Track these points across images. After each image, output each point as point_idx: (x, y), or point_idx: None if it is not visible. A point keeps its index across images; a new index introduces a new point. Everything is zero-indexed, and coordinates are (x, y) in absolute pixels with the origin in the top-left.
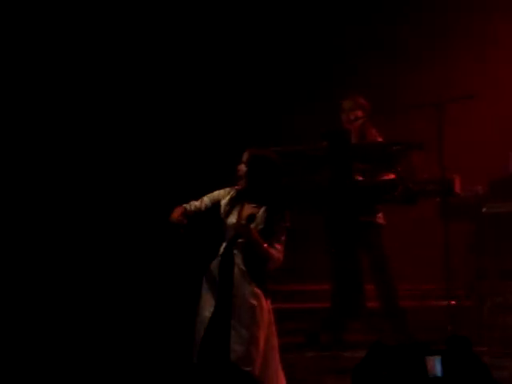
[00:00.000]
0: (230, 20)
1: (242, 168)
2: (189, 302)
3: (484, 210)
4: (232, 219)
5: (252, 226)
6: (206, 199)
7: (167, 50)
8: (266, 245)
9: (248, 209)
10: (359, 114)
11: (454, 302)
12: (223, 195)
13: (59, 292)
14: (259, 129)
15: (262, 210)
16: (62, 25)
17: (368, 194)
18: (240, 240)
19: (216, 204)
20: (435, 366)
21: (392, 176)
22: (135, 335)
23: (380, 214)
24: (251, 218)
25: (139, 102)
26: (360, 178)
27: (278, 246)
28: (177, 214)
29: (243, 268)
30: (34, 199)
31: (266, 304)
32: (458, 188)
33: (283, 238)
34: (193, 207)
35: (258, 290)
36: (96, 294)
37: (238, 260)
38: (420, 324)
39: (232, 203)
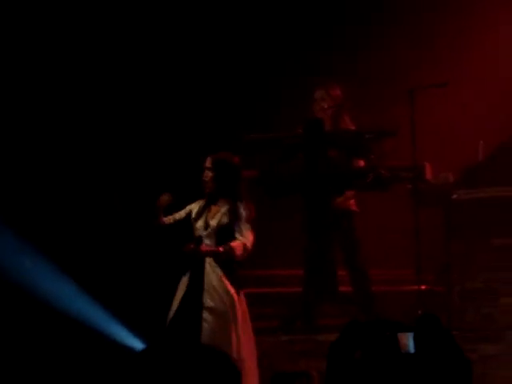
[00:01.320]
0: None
1: (208, 174)
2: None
3: (454, 196)
4: (200, 223)
5: (211, 229)
6: (182, 211)
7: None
8: (221, 248)
9: (214, 210)
10: (330, 103)
11: (424, 287)
12: (194, 206)
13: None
14: (235, 117)
15: (225, 208)
16: (62, 25)
17: (340, 180)
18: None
19: (189, 213)
20: (408, 342)
21: (363, 163)
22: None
23: (353, 201)
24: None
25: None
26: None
27: (245, 237)
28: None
29: (214, 265)
30: (33, 199)
31: (239, 297)
32: (429, 175)
33: (249, 229)
34: (174, 216)
35: (229, 286)
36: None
37: (209, 260)
38: (391, 309)
39: (201, 209)
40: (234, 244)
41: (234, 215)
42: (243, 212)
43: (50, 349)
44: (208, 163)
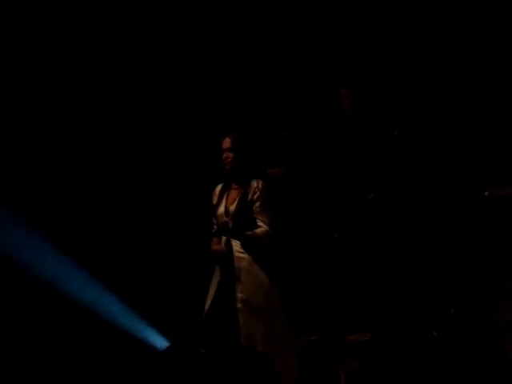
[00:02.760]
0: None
1: (229, 155)
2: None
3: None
4: (221, 209)
5: (231, 216)
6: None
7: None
8: (248, 233)
9: (233, 194)
10: (352, 100)
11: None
12: (214, 193)
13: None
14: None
15: (244, 191)
16: (61, 25)
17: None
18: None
19: None
20: None
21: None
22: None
23: None
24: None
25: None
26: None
27: (266, 223)
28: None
29: (245, 256)
30: (33, 199)
31: (273, 289)
32: None
33: (269, 212)
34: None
35: (261, 274)
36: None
37: (237, 248)
38: None
39: (221, 195)
40: (258, 231)
41: (252, 198)
42: (262, 195)
43: (75, 345)
44: (227, 144)
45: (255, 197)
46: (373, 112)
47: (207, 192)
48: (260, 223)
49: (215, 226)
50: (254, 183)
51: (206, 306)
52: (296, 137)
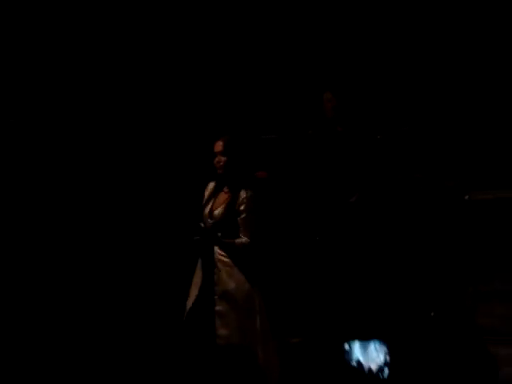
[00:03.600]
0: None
1: (221, 159)
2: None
3: (466, 197)
4: (206, 210)
5: (214, 220)
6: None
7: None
8: (227, 240)
9: (221, 198)
10: (334, 103)
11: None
12: (206, 190)
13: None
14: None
15: (231, 198)
16: (61, 25)
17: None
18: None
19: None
20: None
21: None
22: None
23: None
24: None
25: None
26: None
27: (247, 235)
28: None
29: (226, 260)
30: (32, 199)
31: (256, 291)
32: None
33: (253, 223)
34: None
35: (244, 278)
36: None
37: (219, 250)
38: None
39: (210, 195)
40: (237, 241)
41: (239, 209)
42: (248, 206)
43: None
44: (219, 147)
45: (241, 208)
46: (355, 116)
47: (195, 195)
48: (241, 234)
49: (201, 224)
50: (243, 193)
51: (188, 305)
52: (279, 140)
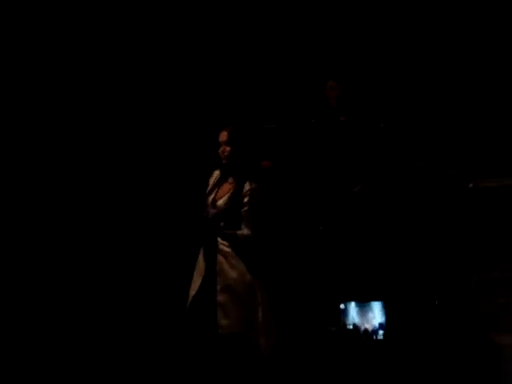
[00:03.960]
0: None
1: (226, 148)
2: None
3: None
4: (209, 199)
5: (216, 210)
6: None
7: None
8: (229, 232)
9: (224, 189)
10: (339, 92)
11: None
12: (212, 177)
13: (58, 291)
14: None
15: (235, 189)
16: (61, 25)
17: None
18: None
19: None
20: None
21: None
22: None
23: None
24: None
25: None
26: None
27: (249, 228)
28: None
29: (228, 250)
30: (33, 199)
31: (258, 282)
32: None
33: (255, 216)
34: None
35: (246, 270)
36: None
37: (221, 240)
38: None
39: (215, 184)
40: (239, 233)
41: (242, 200)
42: (252, 199)
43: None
44: (224, 137)
45: (245, 200)
46: (359, 104)
47: (198, 185)
48: (244, 226)
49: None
50: (247, 185)
51: (191, 295)
52: (282, 129)
